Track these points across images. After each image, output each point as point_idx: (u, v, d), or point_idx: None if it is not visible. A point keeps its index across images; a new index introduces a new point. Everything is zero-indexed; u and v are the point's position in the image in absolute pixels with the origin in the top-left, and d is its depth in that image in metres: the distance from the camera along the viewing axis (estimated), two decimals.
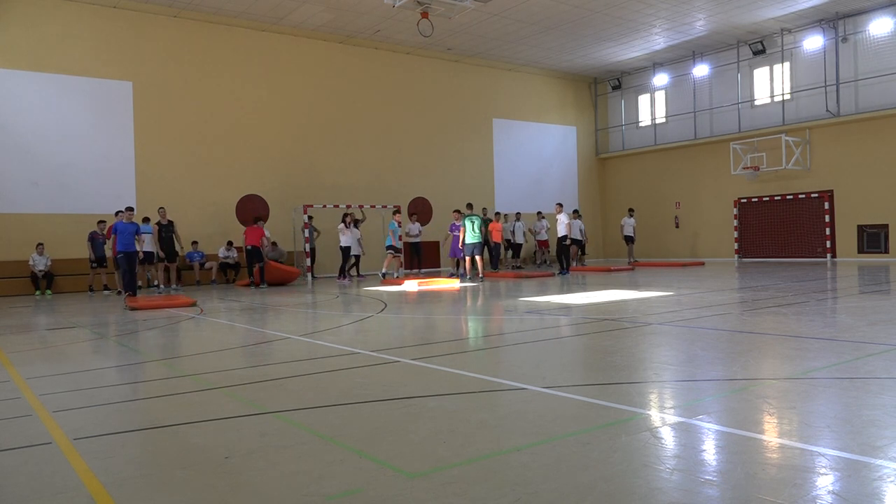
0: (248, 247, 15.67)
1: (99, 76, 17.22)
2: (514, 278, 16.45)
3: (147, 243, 14.85)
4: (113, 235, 13.86)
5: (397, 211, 17.56)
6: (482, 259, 16.08)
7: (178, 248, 15.89)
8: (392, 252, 17.13)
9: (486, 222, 20.05)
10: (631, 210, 23.02)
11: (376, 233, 20.57)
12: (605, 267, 19.49)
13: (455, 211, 18.13)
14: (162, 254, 15.34)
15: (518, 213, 22.15)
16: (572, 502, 2.46)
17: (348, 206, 19.58)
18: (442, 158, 22.96)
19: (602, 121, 27.69)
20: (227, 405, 4.23)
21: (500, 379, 4.68)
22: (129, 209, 13.87)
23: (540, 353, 6.08)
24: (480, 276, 15.83)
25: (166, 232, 15.52)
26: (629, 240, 22.28)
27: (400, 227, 17.42)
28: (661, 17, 19.88)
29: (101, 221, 15.80)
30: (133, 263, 13.58)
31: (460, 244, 16.38)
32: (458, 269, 17.93)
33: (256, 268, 15.67)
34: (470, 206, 16.60)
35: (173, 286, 15.52)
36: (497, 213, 19.18)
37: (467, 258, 16.02)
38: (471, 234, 15.77)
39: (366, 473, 2.84)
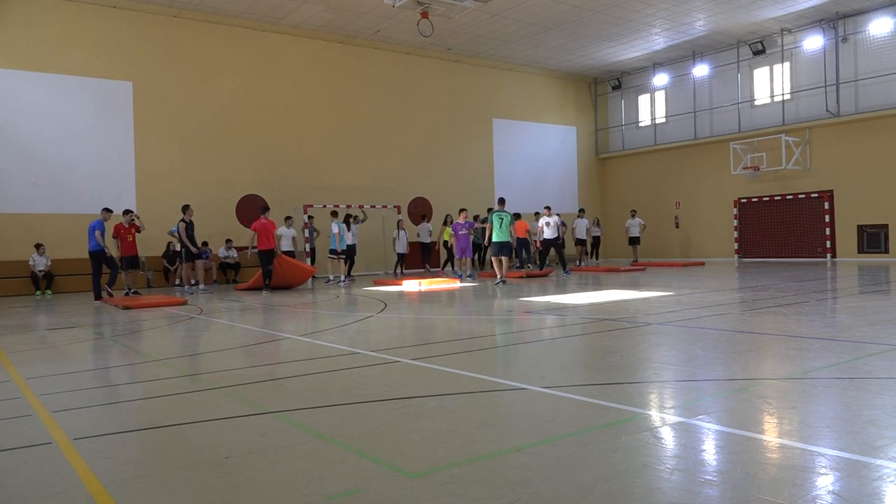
0: (267, 250, 14.11)
1: (99, 76, 17.21)
2: (517, 278, 16.42)
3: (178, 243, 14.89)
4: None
5: (335, 213, 16.77)
6: (508, 261, 14.76)
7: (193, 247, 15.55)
8: (336, 256, 16.69)
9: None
10: (633, 211, 23.31)
11: (376, 233, 20.61)
12: (615, 267, 19.35)
13: (462, 210, 17.50)
14: (195, 249, 14.98)
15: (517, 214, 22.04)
16: (572, 502, 2.46)
17: (348, 207, 19.62)
18: (442, 158, 22.96)
19: (602, 121, 27.69)
20: (227, 405, 4.23)
21: (500, 379, 4.68)
22: (107, 210, 13.98)
23: (540, 353, 6.08)
24: (503, 279, 14.36)
25: (190, 229, 14.98)
26: (636, 241, 22.67)
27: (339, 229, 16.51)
28: (661, 17, 19.88)
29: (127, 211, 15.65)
30: (101, 264, 13.51)
31: (486, 241, 15.18)
32: (459, 269, 17.26)
33: (265, 270, 14.28)
34: (501, 201, 14.93)
35: (187, 285, 15.29)
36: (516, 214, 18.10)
37: (494, 259, 14.61)
38: (497, 232, 14.23)
39: (366, 473, 2.85)
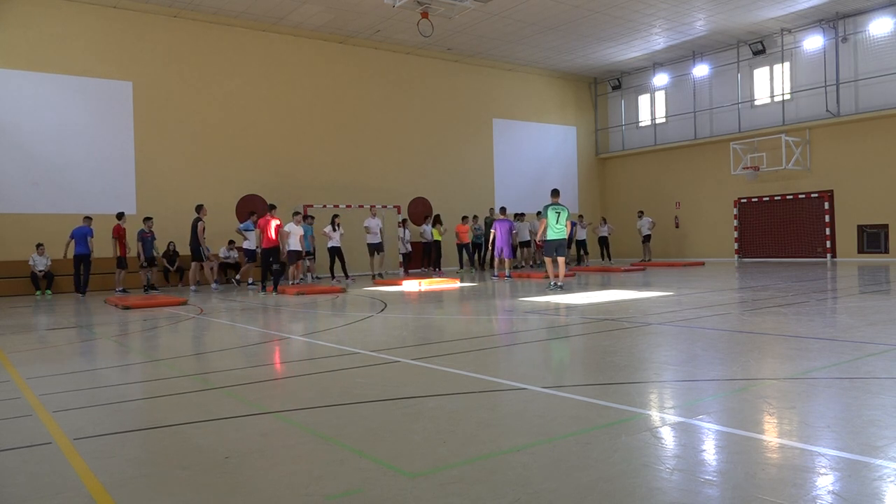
0: (270, 248, 13.83)
1: (99, 76, 17.21)
2: (522, 278, 16.39)
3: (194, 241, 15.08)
4: (70, 240, 14.85)
5: (298, 213, 16.11)
6: (564, 260, 12.85)
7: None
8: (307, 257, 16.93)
9: (487, 224, 20.16)
10: (641, 212, 23.63)
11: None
12: (615, 267, 19.33)
13: (501, 209, 17.38)
14: (207, 252, 15.09)
15: (523, 214, 22.04)
16: (572, 502, 2.45)
17: (348, 207, 19.66)
18: (442, 158, 22.95)
19: (602, 121, 27.69)
20: (227, 405, 4.23)
21: (500, 379, 4.68)
22: (87, 218, 15.14)
23: (540, 353, 6.09)
24: (560, 282, 12.37)
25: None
26: (647, 239, 23.09)
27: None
28: (661, 17, 19.88)
29: (147, 218, 15.61)
30: (86, 265, 14.84)
31: (539, 238, 13.75)
32: (497, 268, 16.47)
33: (265, 270, 14.18)
34: (556, 192, 12.99)
35: (193, 286, 15.24)
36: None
37: (548, 259, 12.83)
38: (553, 229, 12.39)
39: (366, 473, 2.85)
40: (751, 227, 22.68)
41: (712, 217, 23.80)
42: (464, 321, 8.66)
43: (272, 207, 14.37)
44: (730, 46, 22.85)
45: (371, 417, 3.78)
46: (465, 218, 20.46)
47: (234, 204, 18.87)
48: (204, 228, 14.89)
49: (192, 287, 15.12)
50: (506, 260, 16.09)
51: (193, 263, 15.18)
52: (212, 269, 15.80)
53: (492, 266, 16.36)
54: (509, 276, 16.02)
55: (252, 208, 17.70)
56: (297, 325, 8.72)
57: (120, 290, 15.17)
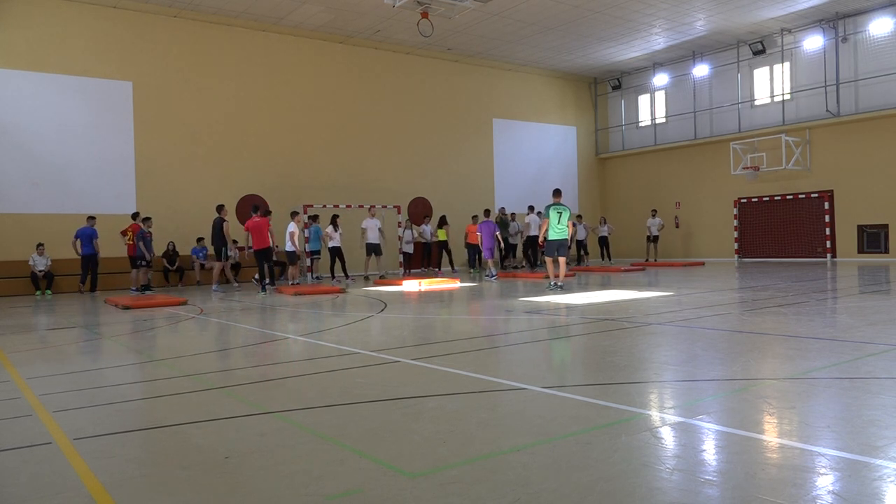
0: (262, 249, 14.19)
1: (99, 76, 17.21)
2: (525, 278, 16.39)
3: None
4: (76, 240, 15.10)
5: (297, 212, 16.10)
6: (565, 260, 12.72)
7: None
8: (316, 257, 17.12)
9: (500, 223, 20.10)
10: (654, 210, 23.65)
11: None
12: (615, 267, 19.33)
13: (486, 210, 17.63)
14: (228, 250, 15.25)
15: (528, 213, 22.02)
16: (572, 502, 2.46)
17: (348, 207, 19.66)
18: (442, 158, 22.95)
19: (602, 121, 27.69)
20: (227, 405, 4.24)
21: (500, 379, 4.68)
22: (91, 218, 15.42)
23: (540, 353, 6.09)
24: (560, 282, 12.31)
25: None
26: (655, 239, 23.13)
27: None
28: (661, 17, 19.88)
29: (146, 218, 15.54)
30: (93, 265, 15.32)
31: (541, 240, 13.41)
32: (492, 269, 16.61)
33: (261, 270, 14.40)
34: (558, 192, 12.85)
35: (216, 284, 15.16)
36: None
37: (548, 259, 12.74)
38: (555, 228, 12.30)
39: (366, 473, 2.85)
40: (751, 227, 22.68)
41: (712, 217, 23.80)
42: (463, 321, 8.66)
43: (256, 209, 14.64)
44: (730, 46, 22.85)
45: (371, 417, 3.78)
46: (475, 217, 20.20)
47: (235, 204, 18.88)
48: (228, 227, 14.92)
49: (229, 285, 15.02)
50: (488, 261, 16.43)
51: (217, 263, 15.18)
52: (223, 269, 15.76)
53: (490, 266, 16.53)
54: (491, 276, 16.13)
55: (269, 209, 17.69)
56: (296, 325, 8.72)
57: (135, 290, 15.14)
